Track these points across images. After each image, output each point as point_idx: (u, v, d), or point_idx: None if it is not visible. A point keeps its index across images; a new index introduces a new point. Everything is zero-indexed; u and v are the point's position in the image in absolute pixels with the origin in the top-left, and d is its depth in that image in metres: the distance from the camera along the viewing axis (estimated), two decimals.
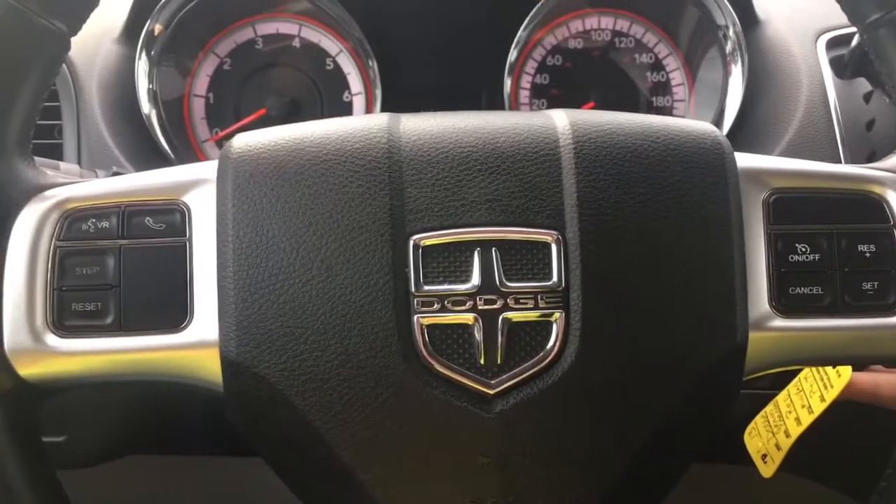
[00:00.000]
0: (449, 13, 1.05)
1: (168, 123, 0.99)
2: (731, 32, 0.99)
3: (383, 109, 1.02)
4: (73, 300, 0.54)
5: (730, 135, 0.98)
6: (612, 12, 1.06)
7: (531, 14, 1.01)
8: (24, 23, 0.54)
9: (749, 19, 1.00)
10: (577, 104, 1.05)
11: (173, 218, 0.55)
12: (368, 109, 1.04)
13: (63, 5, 0.56)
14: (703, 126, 0.58)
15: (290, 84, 1.05)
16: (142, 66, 0.97)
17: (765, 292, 0.56)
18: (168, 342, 0.54)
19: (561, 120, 0.56)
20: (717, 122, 1.00)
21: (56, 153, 0.91)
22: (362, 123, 0.56)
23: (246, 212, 0.53)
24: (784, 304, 0.56)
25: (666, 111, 1.06)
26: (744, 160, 0.57)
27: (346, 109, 1.05)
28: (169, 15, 0.98)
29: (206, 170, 0.57)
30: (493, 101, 1.04)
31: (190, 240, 0.55)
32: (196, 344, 0.54)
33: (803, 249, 0.56)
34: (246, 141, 0.56)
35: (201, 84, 1.04)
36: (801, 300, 0.56)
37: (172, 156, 0.98)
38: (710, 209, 0.55)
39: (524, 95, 1.06)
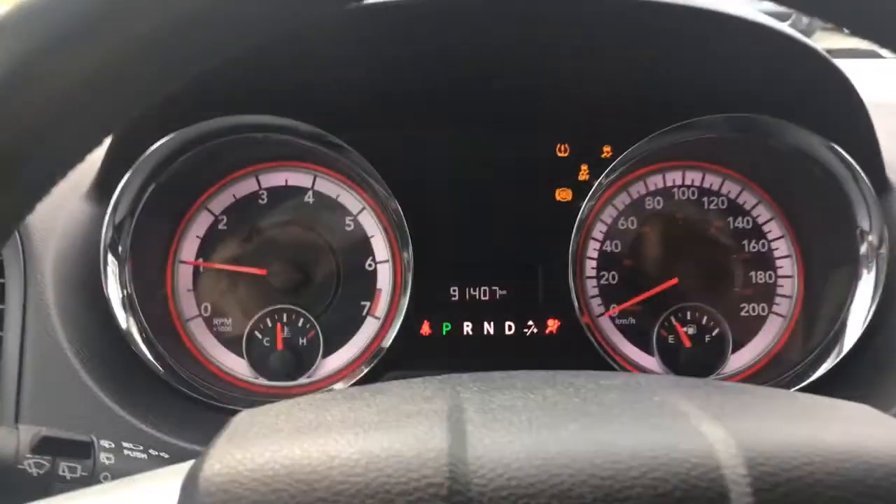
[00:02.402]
0: (498, 165, 0.84)
1: (146, 318, 0.77)
2: (871, 237, 0.77)
3: (415, 282, 0.81)
4: None
5: (850, 355, 0.77)
6: (700, 166, 0.86)
7: (608, 169, 0.81)
8: None
9: (879, 184, 0.78)
10: (656, 279, 0.84)
11: None
12: (396, 282, 0.83)
13: None
14: None
15: (299, 247, 0.84)
16: (111, 269, 0.76)
17: None
18: None
19: (727, 451, 0.34)
20: (837, 335, 0.78)
21: None
22: (409, 461, 0.34)
23: None
24: None
25: (769, 289, 0.84)
26: None
27: (368, 280, 0.84)
28: (152, 167, 0.78)
29: None
30: (552, 272, 0.82)
31: None
32: None
33: None
34: (222, 468, 0.34)
35: (189, 247, 0.83)
36: None
37: (160, 368, 0.76)
38: None
39: (590, 266, 0.85)
